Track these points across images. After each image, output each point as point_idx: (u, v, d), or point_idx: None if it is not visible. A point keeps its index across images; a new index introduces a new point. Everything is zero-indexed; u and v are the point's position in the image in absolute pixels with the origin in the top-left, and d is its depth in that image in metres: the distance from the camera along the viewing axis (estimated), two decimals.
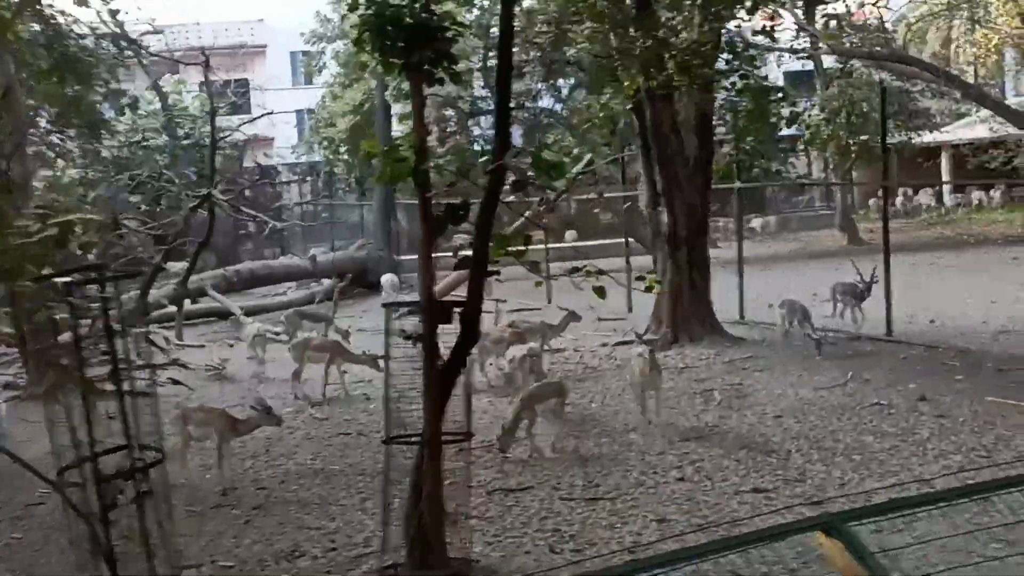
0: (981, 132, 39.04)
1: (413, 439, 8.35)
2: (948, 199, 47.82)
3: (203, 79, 24.21)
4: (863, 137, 37.13)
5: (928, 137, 40.21)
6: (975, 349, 16.11)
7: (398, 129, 29.05)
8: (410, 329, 8.33)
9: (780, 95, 18.74)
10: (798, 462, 10.90)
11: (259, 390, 16.43)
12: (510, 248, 8.47)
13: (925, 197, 47.30)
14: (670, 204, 17.87)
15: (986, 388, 13.52)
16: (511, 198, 11.23)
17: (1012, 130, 32.61)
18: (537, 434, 11.98)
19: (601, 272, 8.33)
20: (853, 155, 36.91)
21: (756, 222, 42.48)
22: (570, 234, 41.72)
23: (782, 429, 12.25)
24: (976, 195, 46.31)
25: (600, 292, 8.90)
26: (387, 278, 25.65)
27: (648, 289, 8.68)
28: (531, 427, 11.71)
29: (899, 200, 47.15)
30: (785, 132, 44.45)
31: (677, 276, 18.00)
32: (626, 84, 17.37)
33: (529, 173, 8.41)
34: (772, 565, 3.04)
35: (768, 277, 26.27)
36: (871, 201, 48.57)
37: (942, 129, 43.71)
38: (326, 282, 26.57)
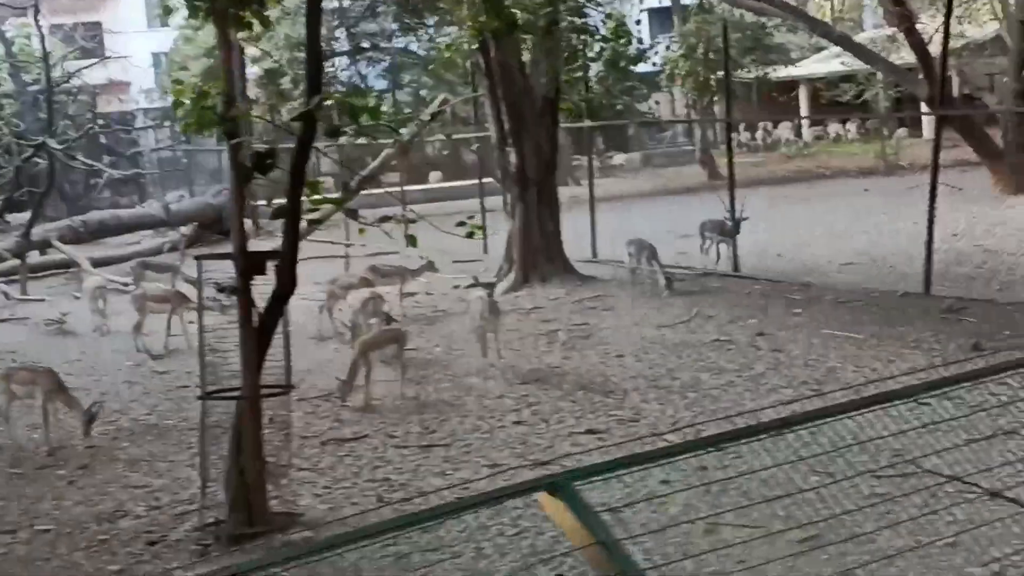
0: (835, 66, 39.58)
1: (230, 394, 8.15)
2: (806, 133, 48.59)
3: (53, 23, 23.34)
4: (720, 73, 37.48)
5: (783, 72, 40.69)
6: (817, 283, 16.37)
7: (251, 71, 28.44)
8: (224, 281, 8.12)
9: (601, 35, 18.44)
10: (634, 401, 10.95)
11: (98, 342, 16.07)
12: (324, 196, 8.30)
13: (785, 131, 47.98)
14: (518, 144, 17.75)
15: (823, 321, 13.74)
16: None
17: (863, 65, 33.11)
18: (377, 381, 11.85)
19: (411, 221, 8.21)
20: (712, 91, 37.19)
21: (619, 158, 42.66)
22: (434, 175, 41.61)
23: (622, 368, 12.29)
24: (833, 128, 47.16)
25: (412, 240, 8.79)
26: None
27: (469, 235, 8.55)
28: (368, 375, 11.57)
29: (759, 134, 47.84)
30: (645, 69, 45.04)
31: (526, 216, 17.93)
32: (469, 24, 17.13)
33: (342, 118, 8.25)
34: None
35: (627, 214, 26.34)
36: (732, 135, 49.24)
37: (798, 64, 44.31)
38: (184, 230, 26.01)
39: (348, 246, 19.13)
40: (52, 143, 20.15)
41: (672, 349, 12.95)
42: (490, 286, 12.64)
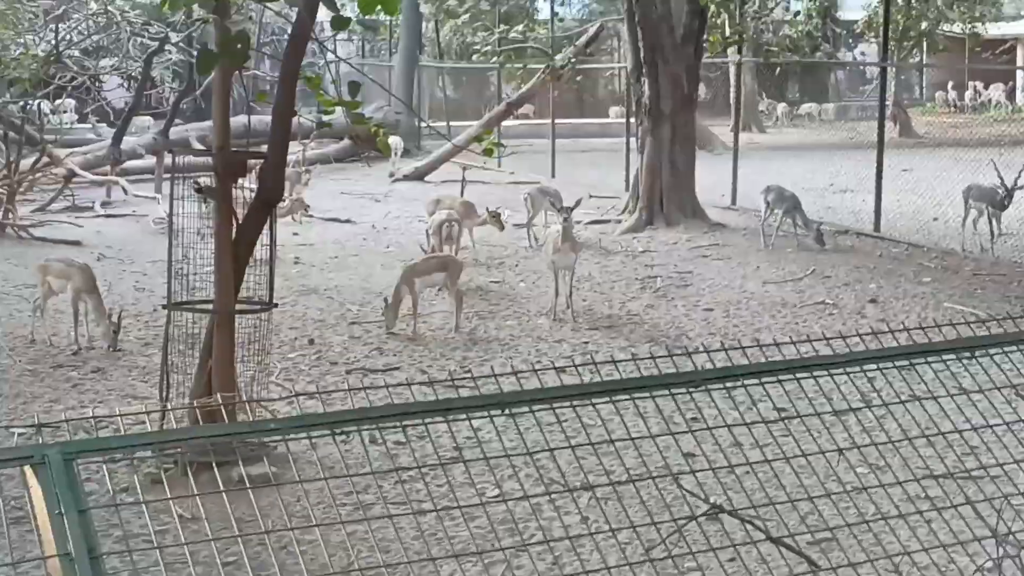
0: None
1: (200, 306, 7.41)
2: (1021, 96, 45.48)
3: None
4: (924, 24, 35.17)
5: (995, 29, 37.95)
6: (961, 251, 14.80)
7: None
8: (203, 181, 7.34)
9: None
10: (699, 362, 9.81)
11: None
12: (330, 99, 7.42)
13: (996, 93, 45.00)
14: (653, 74, 16.54)
15: (950, 293, 12.32)
16: None
17: None
18: (436, 312, 11.07)
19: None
20: (910, 43, 34.88)
21: (806, 108, 40.68)
22: (615, 110, 40.19)
23: (705, 324, 11.19)
24: None
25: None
26: (395, 139, 25.38)
27: (487, 152, 7.56)
28: (415, 304, 10.75)
29: (968, 94, 44.97)
30: (854, 16, 42.73)
31: (656, 153, 16.76)
32: None
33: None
34: None
35: (788, 164, 24.83)
36: (938, 94, 46.51)
37: (1014, 20, 41.39)
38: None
39: (465, 168, 18.24)
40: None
41: (768, 308, 11.75)
42: (566, 211, 11.50)
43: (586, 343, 10.48)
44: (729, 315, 11.50)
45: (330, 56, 35.89)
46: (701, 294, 12.48)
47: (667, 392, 3.71)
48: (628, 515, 3.91)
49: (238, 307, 7.39)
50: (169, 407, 6.75)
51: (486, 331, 10.99)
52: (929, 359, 4.03)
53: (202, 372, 7.40)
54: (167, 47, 20.13)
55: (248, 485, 3.68)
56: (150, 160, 21.72)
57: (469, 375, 8.10)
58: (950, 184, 21.47)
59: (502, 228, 14.91)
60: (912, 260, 14.31)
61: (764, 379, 3.41)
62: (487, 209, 14.84)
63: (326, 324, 11.28)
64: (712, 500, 5.34)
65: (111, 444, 2.24)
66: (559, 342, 10.56)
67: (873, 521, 3.91)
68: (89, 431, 5.26)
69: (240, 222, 7.25)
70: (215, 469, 3.00)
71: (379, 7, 6.99)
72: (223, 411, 5.33)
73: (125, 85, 28.67)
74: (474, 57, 27.03)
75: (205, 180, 7.30)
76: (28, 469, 2.03)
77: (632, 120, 19.59)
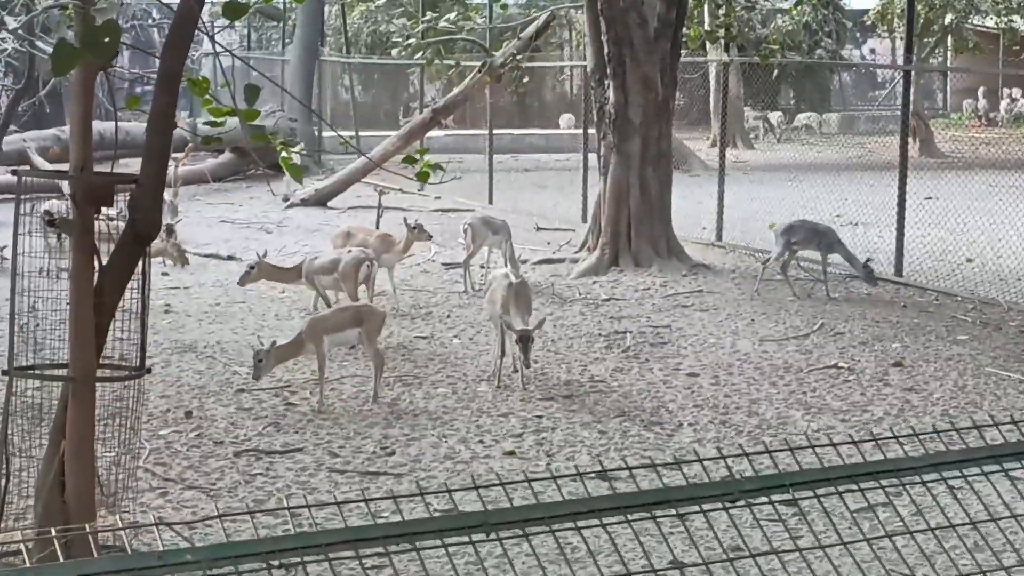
0: None
1: (50, 372, 7.26)
2: None
3: None
4: (949, 17, 35.72)
5: None
6: (1005, 301, 14.96)
7: None
8: (56, 211, 7.22)
9: None
10: (684, 440, 9.84)
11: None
12: (219, 107, 7.34)
13: None
14: (619, 76, 16.61)
15: (993, 354, 12.43)
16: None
17: None
18: (333, 379, 11.08)
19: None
20: (932, 40, 35.45)
21: (802, 118, 41.17)
22: (566, 119, 40.42)
23: (689, 392, 11.19)
24: None
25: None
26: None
27: (421, 176, 7.49)
28: (321, 367, 10.67)
29: (1002, 103, 45.68)
30: (862, 5, 43.41)
31: (624, 175, 16.79)
32: None
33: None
34: None
35: (784, 191, 25.06)
36: (965, 103, 47.24)
37: None
38: None
39: (381, 192, 18.23)
40: None
41: (767, 373, 11.78)
42: (513, 263, 11.53)
43: (539, 417, 10.42)
44: (719, 382, 11.50)
45: (217, 49, 35.91)
46: (682, 355, 12.49)
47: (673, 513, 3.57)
48: None
49: (100, 373, 7.25)
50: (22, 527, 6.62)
51: (412, 401, 10.91)
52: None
53: (53, 455, 7.23)
54: (1, 35, 19.94)
55: None
56: None
57: (418, 492, 8.15)
58: (986, 216, 21.80)
59: (430, 238, 15.52)
60: (943, 312, 14.43)
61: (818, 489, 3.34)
62: (405, 221, 14.98)
63: (207, 391, 11.15)
64: None
65: None
66: (505, 416, 10.49)
67: None
68: None
69: (103, 263, 7.11)
70: None
71: None
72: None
73: None
74: (393, 51, 27.06)
75: (58, 208, 7.17)
76: None
77: (591, 132, 19.68)
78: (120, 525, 6.40)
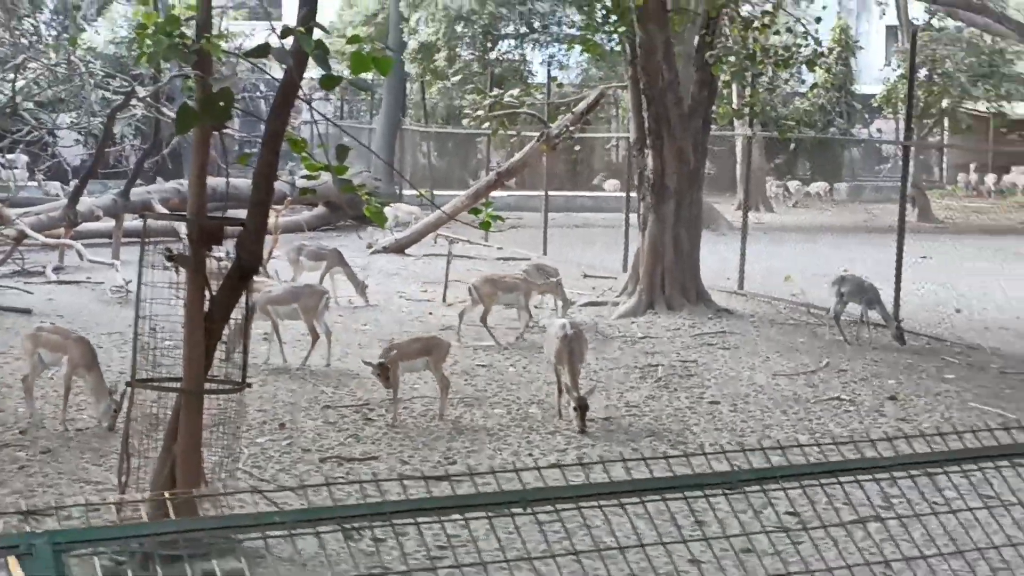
0: None
1: (166, 384, 7.40)
2: None
3: None
4: (945, 102, 35.56)
5: (1022, 108, 38.41)
6: (988, 346, 14.89)
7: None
8: (175, 248, 7.37)
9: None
10: (700, 460, 9.81)
11: None
12: (315, 162, 7.46)
13: (1021, 177, 45.39)
14: (657, 147, 16.68)
15: (976, 391, 12.37)
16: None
17: None
18: (404, 399, 11.16)
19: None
20: (931, 121, 35.30)
21: (815, 187, 41.03)
22: (611, 184, 40.45)
23: (711, 418, 11.20)
24: None
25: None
26: (392, 209, 25.81)
27: (484, 225, 7.60)
28: (395, 388, 10.75)
29: (990, 178, 45.36)
30: (870, 90, 43.20)
31: (659, 232, 16.83)
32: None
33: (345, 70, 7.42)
34: None
35: (795, 247, 25.05)
36: (960, 176, 46.91)
37: None
38: None
39: (451, 241, 18.33)
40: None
41: (779, 402, 11.77)
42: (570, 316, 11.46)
43: (577, 437, 10.46)
44: (736, 409, 11.51)
45: (316, 116, 36.35)
46: (706, 385, 12.49)
47: (681, 496, 3.70)
48: None
49: (207, 386, 7.38)
50: (145, 497, 6.74)
51: (472, 419, 10.98)
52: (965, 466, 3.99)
53: (166, 457, 7.37)
54: (132, 102, 20.23)
55: None
56: (108, 223, 21.75)
57: (468, 472, 8.10)
58: (974, 274, 21.71)
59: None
60: (934, 355, 14.36)
61: (785, 485, 3.41)
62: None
63: (298, 407, 11.26)
64: None
65: (104, 535, 2.23)
66: (552, 434, 10.54)
67: None
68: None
69: (213, 293, 7.26)
70: (186, 563, 2.98)
71: (372, 67, 7.09)
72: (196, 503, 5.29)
73: (83, 141, 28.76)
74: (464, 121, 27.25)
75: (177, 247, 7.32)
76: (12, 559, 2.01)
77: (632, 195, 19.72)
78: (221, 491, 6.49)
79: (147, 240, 7.77)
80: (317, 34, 6.79)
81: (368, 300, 16.88)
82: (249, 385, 7.82)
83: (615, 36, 17.41)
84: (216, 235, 7.23)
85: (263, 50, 6.61)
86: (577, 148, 26.14)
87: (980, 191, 45.19)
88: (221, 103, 6.63)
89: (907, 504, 3.77)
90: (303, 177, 8.35)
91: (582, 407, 10.56)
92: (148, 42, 6.94)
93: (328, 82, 7.04)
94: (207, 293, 7.24)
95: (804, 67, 19.14)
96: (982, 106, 37.31)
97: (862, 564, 3.64)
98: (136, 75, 21.21)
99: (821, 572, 3.47)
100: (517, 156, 23.78)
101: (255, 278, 15.81)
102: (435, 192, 29.93)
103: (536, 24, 24.06)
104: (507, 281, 15.27)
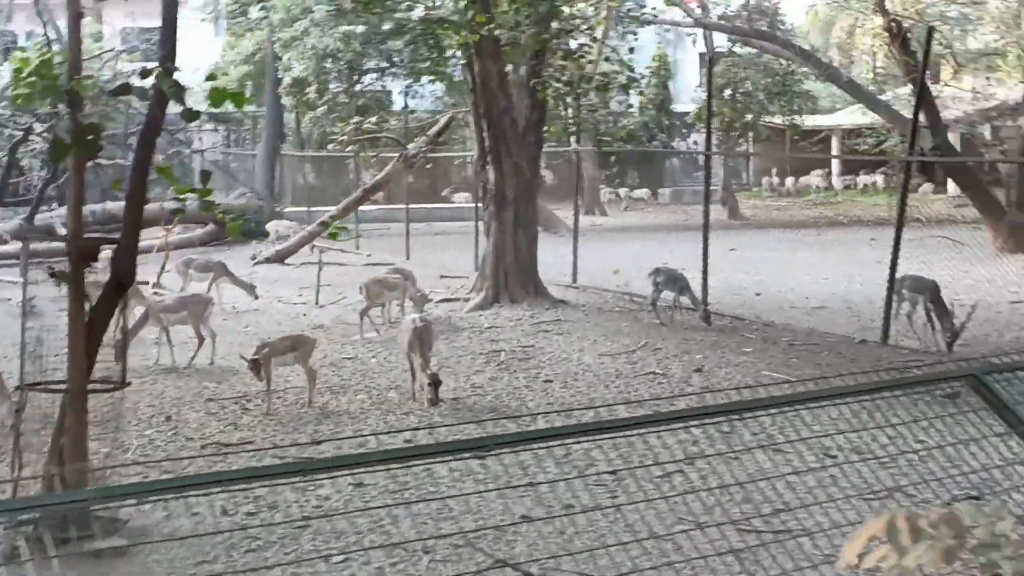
0: (861, 118, 38.28)
1: (53, 386, 7.27)
2: (836, 181, 47.21)
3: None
4: (747, 117, 36.34)
5: (811, 120, 39.43)
6: (780, 324, 15.27)
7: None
8: (57, 267, 7.24)
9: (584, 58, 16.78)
10: (538, 427, 9.94)
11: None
12: (182, 186, 7.39)
13: (816, 179, 46.57)
14: (497, 162, 16.79)
15: (767, 362, 12.67)
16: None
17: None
18: (278, 390, 11.12)
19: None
20: (736, 133, 36.07)
21: (640, 192, 41.71)
22: (460, 196, 40.42)
23: (544, 394, 11.33)
24: (863, 179, 45.76)
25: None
26: (273, 224, 26.06)
27: (332, 236, 7.62)
28: (267, 382, 10.70)
29: (789, 180, 46.58)
30: (685, 108, 43.89)
31: (501, 236, 16.95)
32: (456, 39, 16.26)
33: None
34: None
35: (622, 245, 25.41)
36: (764, 179, 48.00)
37: (832, 113, 43.12)
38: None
39: (322, 251, 18.22)
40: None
41: (603, 378, 11.94)
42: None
43: (432, 414, 10.51)
44: (567, 385, 11.66)
45: (195, 146, 35.78)
46: (542, 367, 12.61)
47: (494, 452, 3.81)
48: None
49: (91, 386, 7.27)
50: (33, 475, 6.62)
51: (337, 405, 10.96)
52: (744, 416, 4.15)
53: (54, 449, 7.24)
54: (31, 136, 19.76)
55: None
56: (15, 245, 21.22)
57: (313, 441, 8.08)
58: (773, 263, 22.25)
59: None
60: (735, 332, 14.67)
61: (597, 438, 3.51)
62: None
63: (183, 401, 11.13)
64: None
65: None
66: (407, 414, 10.57)
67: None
68: None
69: (93, 305, 7.16)
70: (72, 542, 2.98)
71: (228, 101, 7.07)
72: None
73: None
74: (329, 146, 27.18)
75: (60, 265, 7.21)
76: None
77: (479, 205, 19.82)
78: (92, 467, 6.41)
79: (39, 260, 7.62)
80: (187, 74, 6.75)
81: (258, 296, 16.75)
82: (129, 383, 7.71)
83: (458, 68, 17.49)
84: (93, 253, 7.13)
85: (125, 89, 6.54)
86: (429, 166, 26.13)
87: (780, 192, 46.33)
88: (90, 136, 6.54)
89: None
90: (172, 199, 8.26)
91: (435, 382, 10.65)
92: (24, 84, 6.82)
93: (189, 116, 7.00)
94: (87, 304, 7.14)
95: (623, 90, 19.31)
96: (778, 119, 38.13)
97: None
98: (36, 113, 20.67)
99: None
100: (381, 174, 23.76)
101: (151, 289, 15.57)
102: (313, 208, 29.78)
103: (395, 59, 23.98)
104: (390, 281, 15.48)
